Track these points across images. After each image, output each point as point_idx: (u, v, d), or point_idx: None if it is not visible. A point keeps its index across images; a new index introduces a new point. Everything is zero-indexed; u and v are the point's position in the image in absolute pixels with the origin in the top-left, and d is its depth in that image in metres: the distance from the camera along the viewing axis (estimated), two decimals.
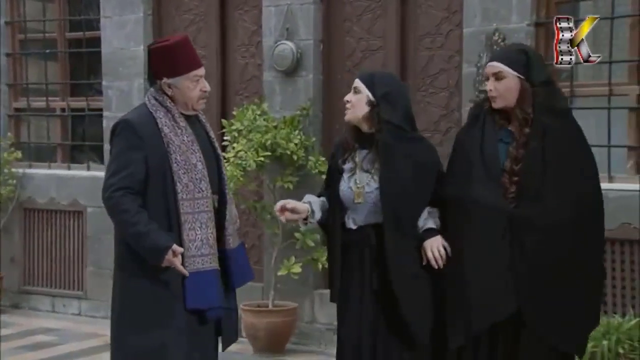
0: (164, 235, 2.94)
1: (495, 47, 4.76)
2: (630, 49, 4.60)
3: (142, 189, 2.96)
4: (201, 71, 3.08)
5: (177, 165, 2.97)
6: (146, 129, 2.98)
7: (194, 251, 2.98)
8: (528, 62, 2.98)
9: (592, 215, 2.98)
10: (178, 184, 2.97)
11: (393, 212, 3.08)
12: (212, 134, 3.19)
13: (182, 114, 3.07)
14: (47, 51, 6.70)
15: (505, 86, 2.98)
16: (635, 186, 4.52)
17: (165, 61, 3.04)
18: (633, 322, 4.11)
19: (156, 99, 3.06)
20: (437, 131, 5.15)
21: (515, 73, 2.97)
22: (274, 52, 5.46)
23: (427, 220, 3.12)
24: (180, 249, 2.94)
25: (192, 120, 3.11)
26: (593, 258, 3.00)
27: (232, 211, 3.15)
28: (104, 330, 5.97)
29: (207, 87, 3.11)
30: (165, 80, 3.03)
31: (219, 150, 3.21)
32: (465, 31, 4.93)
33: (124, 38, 6.15)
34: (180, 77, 3.03)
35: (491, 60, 3.08)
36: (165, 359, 2.98)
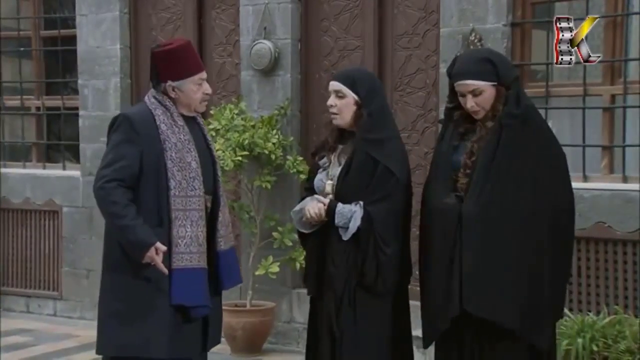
0: (149, 231, 2.96)
1: (472, 47, 4.79)
2: (605, 49, 4.65)
3: (134, 183, 3.00)
4: (204, 74, 3.16)
5: (172, 162, 3.01)
6: (144, 124, 3.03)
7: (183, 248, 3.01)
8: (495, 68, 3.00)
9: (540, 218, 2.92)
10: (171, 180, 3.01)
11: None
12: (209, 137, 3.25)
13: (180, 114, 3.11)
14: (22, 49, 6.64)
15: (482, 99, 3.01)
16: (609, 185, 4.58)
17: (170, 64, 3.09)
18: (607, 320, 4.15)
19: (156, 98, 3.11)
20: (414, 130, 5.17)
21: (489, 83, 2.99)
22: (251, 51, 5.45)
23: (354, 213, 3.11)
24: (163, 247, 2.96)
25: (190, 122, 3.16)
26: (544, 258, 2.93)
27: (225, 213, 3.19)
28: (79, 331, 5.95)
29: (209, 90, 3.19)
30: (170, 83, 3.09)
31: (215, 153, 3.25)
32: (442, 31, 4.96)
33: (100, 36, 6.10)
34: (185, 80, 3.09)
35: (462, 78, 3.01)
36: (146, 353, 3.00)
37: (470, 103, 3.01)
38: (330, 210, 3.14)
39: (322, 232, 3.18)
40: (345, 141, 3.23)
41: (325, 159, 3.26)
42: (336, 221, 3.12)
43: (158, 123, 3.04)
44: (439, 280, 3.00)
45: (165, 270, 2.97)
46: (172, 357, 3.03)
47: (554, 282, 2.98)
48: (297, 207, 3.25)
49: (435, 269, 3.02)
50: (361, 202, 3.10)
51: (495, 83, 2.99)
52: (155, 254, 2.94)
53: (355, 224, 3.08)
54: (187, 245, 3.01)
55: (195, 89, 3.10)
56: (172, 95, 3.10)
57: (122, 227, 2.95)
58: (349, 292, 3.11)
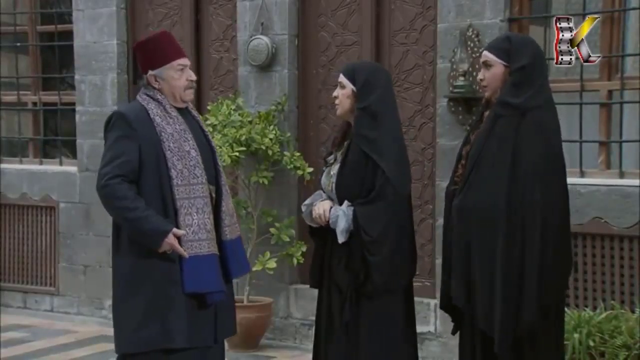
0: (163, 219, 2.98)
1: (469, 42, 4.80)
2: (602, 45, 4.65)
3: (136, 178, 3.01)
4: (185, 60, 3.15)
5: (171, 152, 3.02)
6: (139, 119, 3.04)
7: (191, 236, 3.02)
8: (509, 47, 2.98)
9: (526, 214, 2.89)
10: (172, 170, 3.01)
11: (341, 202, 3.18)
12: (204, 127, 3.26)
13: (172, 105, 3.12)
14: (18, 44, 6.62)
15: (491, 74, 3.01)
16: (606, 181, 4.58)
17: (148, 54, 3.11)
18: (603, 315, 4.16)
19: (147, 94, 3.13)
20: (411, 126, 5.18)
21: (499, 60, 2.99)
22: (248, 46, 5.45)
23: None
24: (181, 232, 2.98)
25: (184, 113, 3.17)
26: (527, 253, 2.89)
27: (228, 203, 3.20)
28: (76, 326, 5.95)
29: (193, 77, 3.17)
30: (150, 72, 3.10)
31: (213, 143, 3.26)
32: (440, 27, 4.96)
33: (96, 32, 6.09)
34: (164, 67, 3.09)
35: (484, 49, 3.12)
36: (168, 343, 3.01)
37: (480, 75, 3.06)
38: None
39: (330, 229, 3.18)
40: (349, 137, 3.24)
41: (331, 156, 3.28)
42: (330, 223, 3.13)
43: (152, 116, 3.04)
44: (442, 271, 3.12)
45: (185, 254, 2.99)
46: (192, 345, 3.04)
47: (532, 276, 2.88)
48: (308, 200, 3.29)
49: (442, 259, 3.14)
50: (347, 204, 3.10)
51: (506, 64, 2.97)
52: (173, 239, 2.96)
53: (340, 228, 3.08)
54: (195, 232, 3.02)
55: (176, 75, 3.10)
56: (156, 85, 3.10)
57: (135, 219, 2.95)
58: (349, 290, 3.12)
